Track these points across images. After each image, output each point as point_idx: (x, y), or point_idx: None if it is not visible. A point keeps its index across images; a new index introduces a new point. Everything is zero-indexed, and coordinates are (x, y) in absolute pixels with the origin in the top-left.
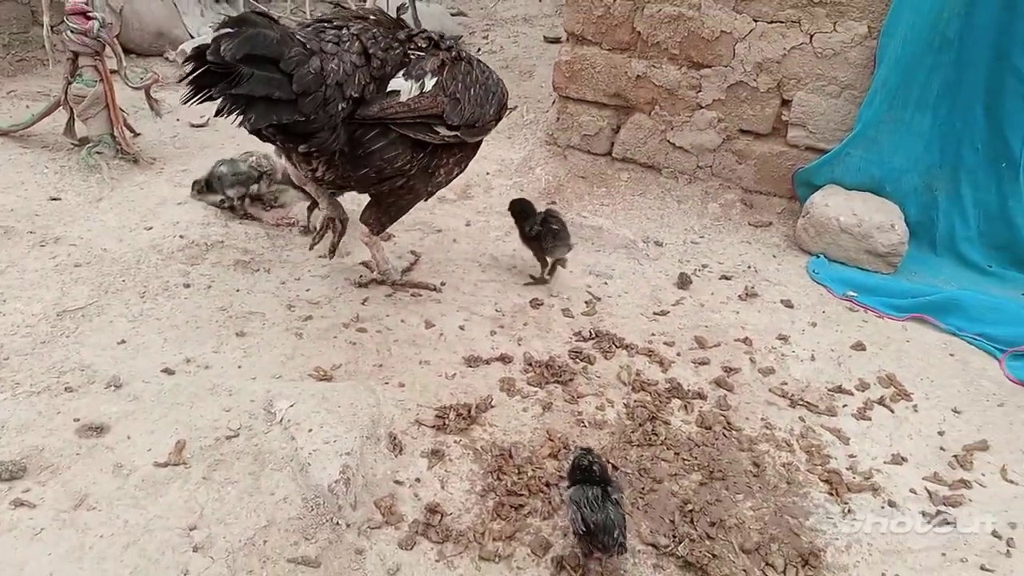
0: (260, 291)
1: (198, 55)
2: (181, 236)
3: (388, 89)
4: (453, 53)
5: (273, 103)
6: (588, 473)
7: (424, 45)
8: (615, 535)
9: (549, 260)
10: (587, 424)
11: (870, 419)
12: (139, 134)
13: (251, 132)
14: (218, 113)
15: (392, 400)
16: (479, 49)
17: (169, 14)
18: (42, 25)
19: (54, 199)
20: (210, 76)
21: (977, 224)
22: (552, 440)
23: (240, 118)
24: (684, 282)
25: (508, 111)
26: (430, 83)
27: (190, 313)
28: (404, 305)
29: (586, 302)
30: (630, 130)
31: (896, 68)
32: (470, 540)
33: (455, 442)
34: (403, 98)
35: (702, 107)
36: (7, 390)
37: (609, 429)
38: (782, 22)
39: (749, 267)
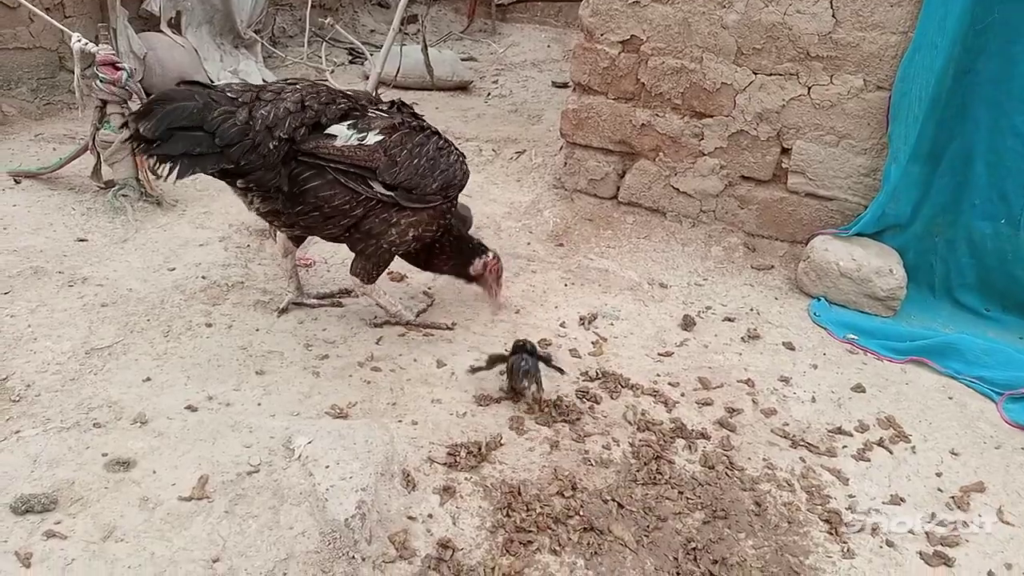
0: (279, 330)
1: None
2: (203, 277)
3: (326, 132)
4: (414, 123)
5: (196, 156)
6: (524, 348)
7: (384, 108)
8: (524, 382)
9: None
10: (593, 463)
11: (869, 460)
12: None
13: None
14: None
15: (405, 438)
16: (489, 94)
17: (191, 61)
18: (69, 70)
19: (81, 240)
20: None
21: (974, 273)
22: (559, 479)
23: (169, 170)
24: (688, 323)
25: (459, 190)
26: (373, 138)
27: (212, 352)
28: (416, 345)
29: (593, 343)
30: (635, 175)
31: (913, 124)
32: (480, 575)
33: (466, 479)
34: (338, 143)
35: (705, 154)
36: (39, 426)
37: (615, 468)
38: (781, 75)
39: (752, 309)
